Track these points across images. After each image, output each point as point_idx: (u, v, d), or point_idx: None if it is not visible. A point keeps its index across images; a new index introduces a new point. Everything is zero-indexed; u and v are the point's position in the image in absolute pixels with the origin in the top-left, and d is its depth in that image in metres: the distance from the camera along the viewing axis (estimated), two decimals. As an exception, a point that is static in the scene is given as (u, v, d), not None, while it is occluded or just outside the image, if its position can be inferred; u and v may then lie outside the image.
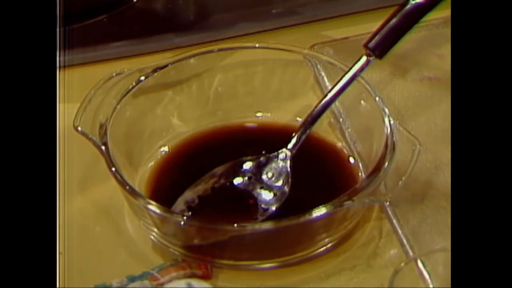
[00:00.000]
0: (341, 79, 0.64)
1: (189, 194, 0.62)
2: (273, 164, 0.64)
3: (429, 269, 0.54)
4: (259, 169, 0.64)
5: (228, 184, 0.63)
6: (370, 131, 0.63)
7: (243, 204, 0.62)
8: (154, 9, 0.83)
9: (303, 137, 0.64)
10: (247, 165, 0.64)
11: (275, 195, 0.62)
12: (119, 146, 0.62)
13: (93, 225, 0.63)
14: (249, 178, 0.63)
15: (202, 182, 0.63)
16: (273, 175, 0.63)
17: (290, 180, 0.63)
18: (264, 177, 0.63)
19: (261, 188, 0.63)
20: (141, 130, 0.66)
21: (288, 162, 0.63)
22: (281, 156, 0.64)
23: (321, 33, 0.75)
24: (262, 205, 0.62)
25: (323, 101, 0.64)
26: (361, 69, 0.63)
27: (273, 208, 0.61)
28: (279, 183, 0.63)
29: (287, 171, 0.63)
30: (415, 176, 0.61)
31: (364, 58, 0.63)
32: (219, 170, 0.63)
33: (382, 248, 0.61)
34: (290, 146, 0.64)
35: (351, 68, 0.64)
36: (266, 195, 0.62)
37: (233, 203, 0.63)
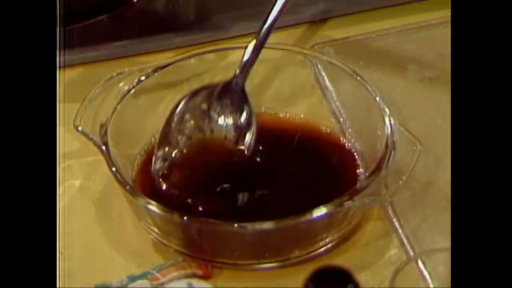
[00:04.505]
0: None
1: (163, 153, 0.62)
2: (229, 96, 0.64)
3: (430, 269, 0.54)
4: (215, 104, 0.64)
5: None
6: (371, 131, 0.63)
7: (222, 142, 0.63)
8: (154, 9, 0.83)
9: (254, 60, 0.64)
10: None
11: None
12: (120, 146, 0.62)
13: (93, 225, 0.63)
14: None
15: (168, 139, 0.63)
16: (231, 108, 0.63)
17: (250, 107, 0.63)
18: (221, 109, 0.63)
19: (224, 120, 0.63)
20: (142, 130, 0.66)
21: (243, 87, 0.64)
22: (233, 83, 0.64)
23: (321, 33, 0.75)
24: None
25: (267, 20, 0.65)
26: None
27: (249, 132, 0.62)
28: (239, 115, 0.63)
29: (244, 99, 0.63)
30: (415, 176, 0.61)
31: None
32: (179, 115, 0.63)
33: (383, 248, 0.61)
34: (239, 70, 0.64)
35: None
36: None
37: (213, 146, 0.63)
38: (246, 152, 0.62)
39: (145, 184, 0.63)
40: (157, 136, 0.65)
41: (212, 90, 0.64)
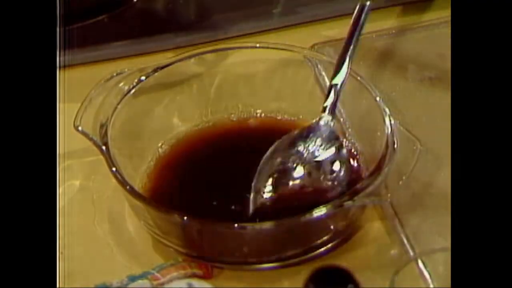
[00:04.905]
0: (348, 37, 0.66)
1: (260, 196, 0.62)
2: (318, 135, 0.63)
3: (430, 269, 0.54)
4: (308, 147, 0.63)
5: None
6: (371, 131, 0.63)
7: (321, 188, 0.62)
8: (154, 9, 0.83)
9: (338, 98, 0.64)
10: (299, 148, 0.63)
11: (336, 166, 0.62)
12: (120, 146, 0.62)
13: (93, 225, 0.63)
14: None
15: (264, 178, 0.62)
16: (322, 145, 0.63)
17: (342, 144, 0.63)
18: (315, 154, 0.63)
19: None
20: (142, 130, 0.66)
21: (332, 126, 0.63)
22: (322, 123, 0.64)
23: (321, 33, 0.75)
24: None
25: (342, 63, 0.65)
26: (360, 16, 0.66)
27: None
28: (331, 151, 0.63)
29: (334, 136, 0.63)
30: (416, 176, 0.61)
31: (358, 6, 0.65)
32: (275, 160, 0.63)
33: (383, 248, 0.61)
34: (327, 111, 0.64)
35: (353, 24, 0.66)
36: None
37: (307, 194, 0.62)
38: (340, 188, 0.61)
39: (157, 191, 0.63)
40: (163, 145, 0.66)
41: (298, 134, 0.64)
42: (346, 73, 0.65)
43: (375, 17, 0.80)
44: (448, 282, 0.50)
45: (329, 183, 0.62)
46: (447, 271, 0.51)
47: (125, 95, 0.65)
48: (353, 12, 0.80)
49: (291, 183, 0.62)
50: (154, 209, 0.58)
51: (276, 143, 0.63)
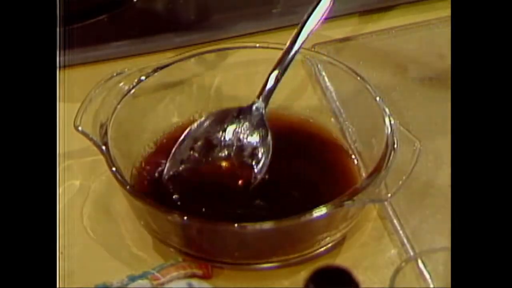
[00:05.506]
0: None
1: (174, 166, 0.63)
2: (248, 119, 0.65)
3: (430, 268, 0.54)
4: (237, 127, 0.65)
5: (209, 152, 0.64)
6: (371, 131, 0.63)
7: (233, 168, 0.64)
8: (154, 9, 0.83)
9: (275, 87, 0.65)
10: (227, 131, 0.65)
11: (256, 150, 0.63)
12: (120, 146, 0.62)
13: (93, 225, 0.63)
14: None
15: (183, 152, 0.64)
16: (249, 130, 0.64)
17: (268, 132, 0.64)
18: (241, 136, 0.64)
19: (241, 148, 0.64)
20: (141, 130, 0.66)
21: (262, 112, 0.64)
22: (254, 108, 0.65)
23: (321, 33, 0.75)
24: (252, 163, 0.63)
25: (292, 48, 0.65)
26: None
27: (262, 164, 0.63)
28: (256, 137, 0.64)
29: (262, 123, 0.64)
30: (415, 176, 0.61)
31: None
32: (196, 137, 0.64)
33: (383, 248, 0.61)
34: (262, 97, 0.65)
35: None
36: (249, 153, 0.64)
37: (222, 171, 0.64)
38: (257, 172, 0.63)
39: (143, 189, 0.63)
40: (152, 144, 0.66)
41: (229, 112, 0.65)
42: (288, 62, 0.65)
43: (375, 17, 0.80)
44: (448, 282, 0.50)
45: (246, 166, 0.63)
46: (447, 271, 0.51)
47: (125, 95, 0.65)
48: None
49: (209, 158, 0.64)
50: (154, 209, 0.58)
51: (206, 116, 0.65)
